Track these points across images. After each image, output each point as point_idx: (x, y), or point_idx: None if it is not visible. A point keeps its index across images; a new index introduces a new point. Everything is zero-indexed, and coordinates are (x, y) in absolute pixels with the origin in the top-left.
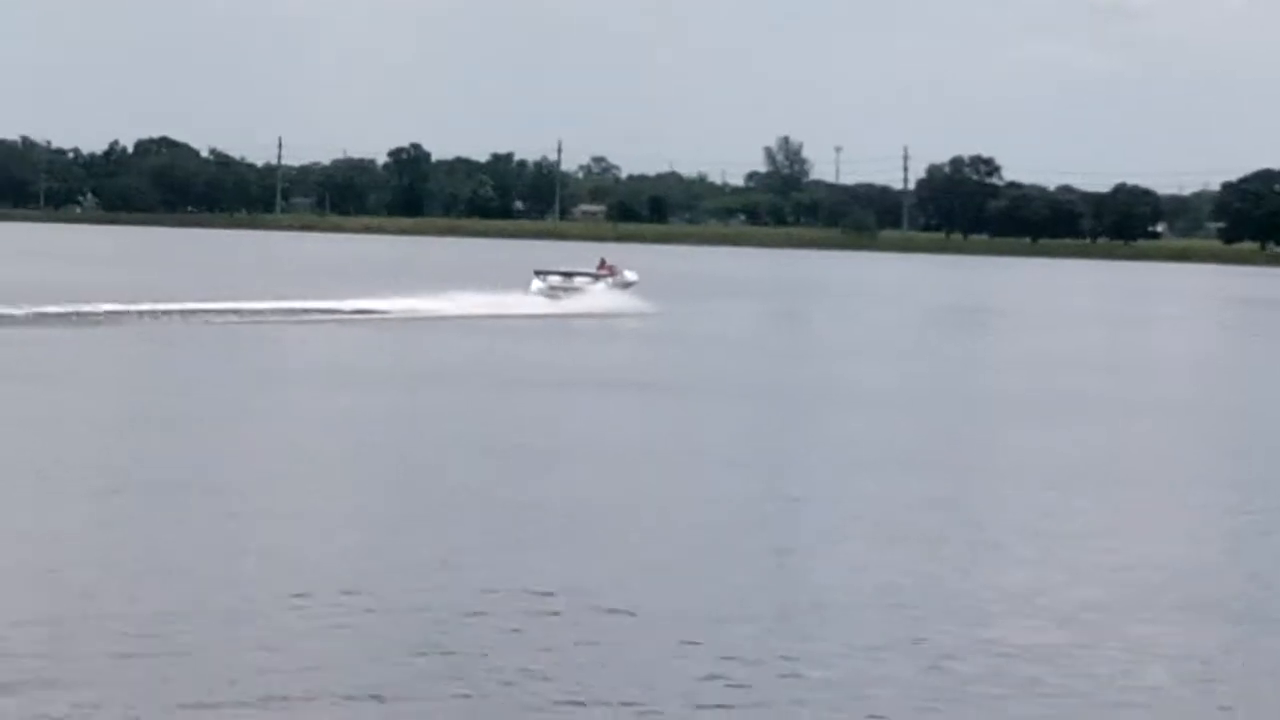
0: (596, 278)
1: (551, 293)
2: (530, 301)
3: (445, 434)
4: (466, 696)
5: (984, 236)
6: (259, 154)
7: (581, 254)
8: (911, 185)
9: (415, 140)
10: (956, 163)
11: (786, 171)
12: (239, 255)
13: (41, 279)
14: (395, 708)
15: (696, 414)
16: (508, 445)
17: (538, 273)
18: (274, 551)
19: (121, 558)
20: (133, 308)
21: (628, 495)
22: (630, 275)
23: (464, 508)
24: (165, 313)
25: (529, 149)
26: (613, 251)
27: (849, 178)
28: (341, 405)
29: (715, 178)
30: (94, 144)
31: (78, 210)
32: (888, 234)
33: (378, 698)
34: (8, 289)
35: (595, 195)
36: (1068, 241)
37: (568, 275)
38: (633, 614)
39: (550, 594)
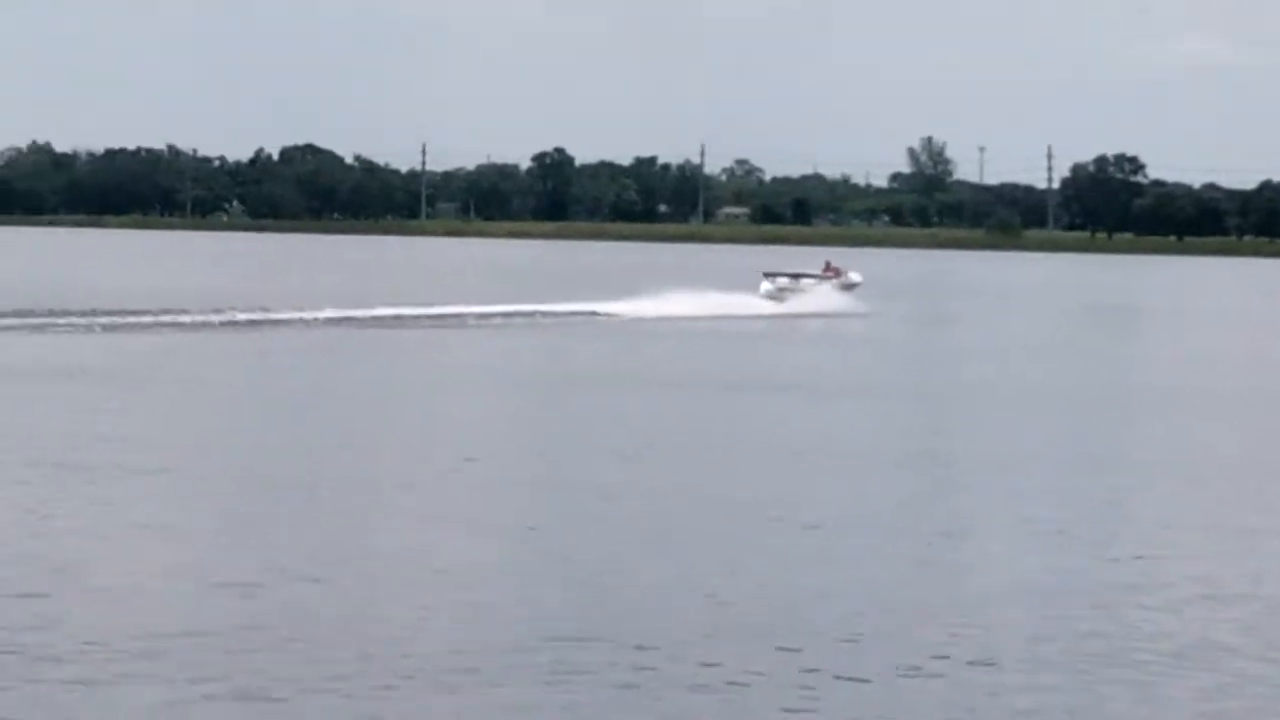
0: (821, 279)
1: (779, 294)
2: (759, 303)
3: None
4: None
5: (1129, 235)
6: (403, 160)
7: (734, 256)
8: (1056, 184)
9: (559, 145)
10: (1101, 161)
11: (930, 172)
12: (396, 260)
13: (234, 287)
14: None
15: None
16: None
17: (766, 274)
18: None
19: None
20: (360, 313)
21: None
22: (855, 277)
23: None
24: (396, 317)
25: (672, 152)
26: (836, 255)
27: (993, 177)
28: (611, 404)
29: (859, 179)
30: (240, 152)
31: (224, 218)
32: (1032, 233)
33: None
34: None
35: (739, 198)
36: (1214, 239)
37: (795, 277)
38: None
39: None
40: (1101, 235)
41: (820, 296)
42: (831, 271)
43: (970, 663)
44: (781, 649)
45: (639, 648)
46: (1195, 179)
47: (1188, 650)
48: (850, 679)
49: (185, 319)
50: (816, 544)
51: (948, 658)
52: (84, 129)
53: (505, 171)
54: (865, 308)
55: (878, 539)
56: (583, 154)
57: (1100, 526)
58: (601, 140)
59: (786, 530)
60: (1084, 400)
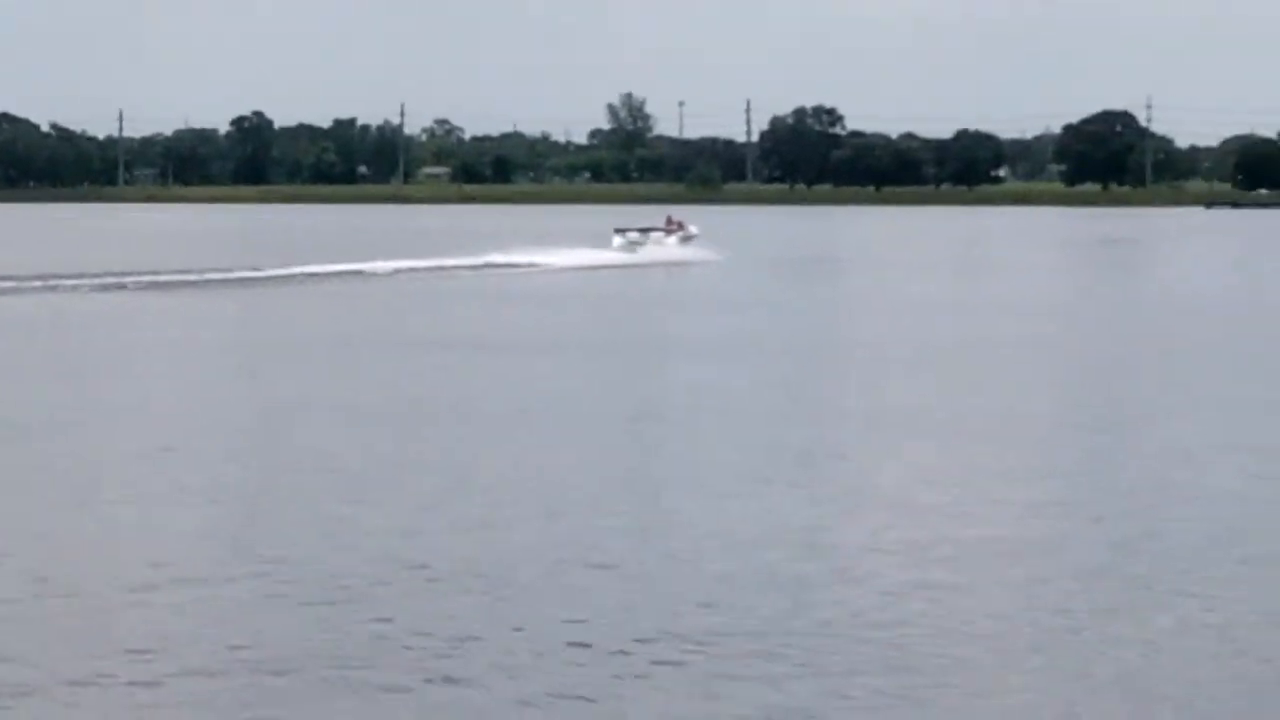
0: (668, 232)
1: (630, 246)
2: (616, 254)
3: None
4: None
5: (828, 187)
6: (101, 127)
7: (438, 217)
8: (755, 137)
9: (257, 108)
10: (799, 113)
11: (630, 128)
12: (92, 227)
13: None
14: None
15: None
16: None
17: (617, 230)
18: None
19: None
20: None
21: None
22: (693, 229)
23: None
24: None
25: (372, 113)
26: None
27: (692, 132)
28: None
29: (559, 136)
30: None
31: None
32: (733, 186)
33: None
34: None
35: (439, 158)
36: (912, 189)
37: (643, 231)
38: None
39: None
40: (801, 187)
41: (669, 248)
42: (676, 225)
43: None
44: (496, 608)
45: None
46: (893, 129)
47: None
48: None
49: None
50: (520, 504)
51: (672, 635)
52: None
53: (204, 136)
54: (717, 256)
55: (568, 498)
56: (282, 117)
57: (800, 474)
58: (300, 103)
59: (493, 491)
60: (780, 351)
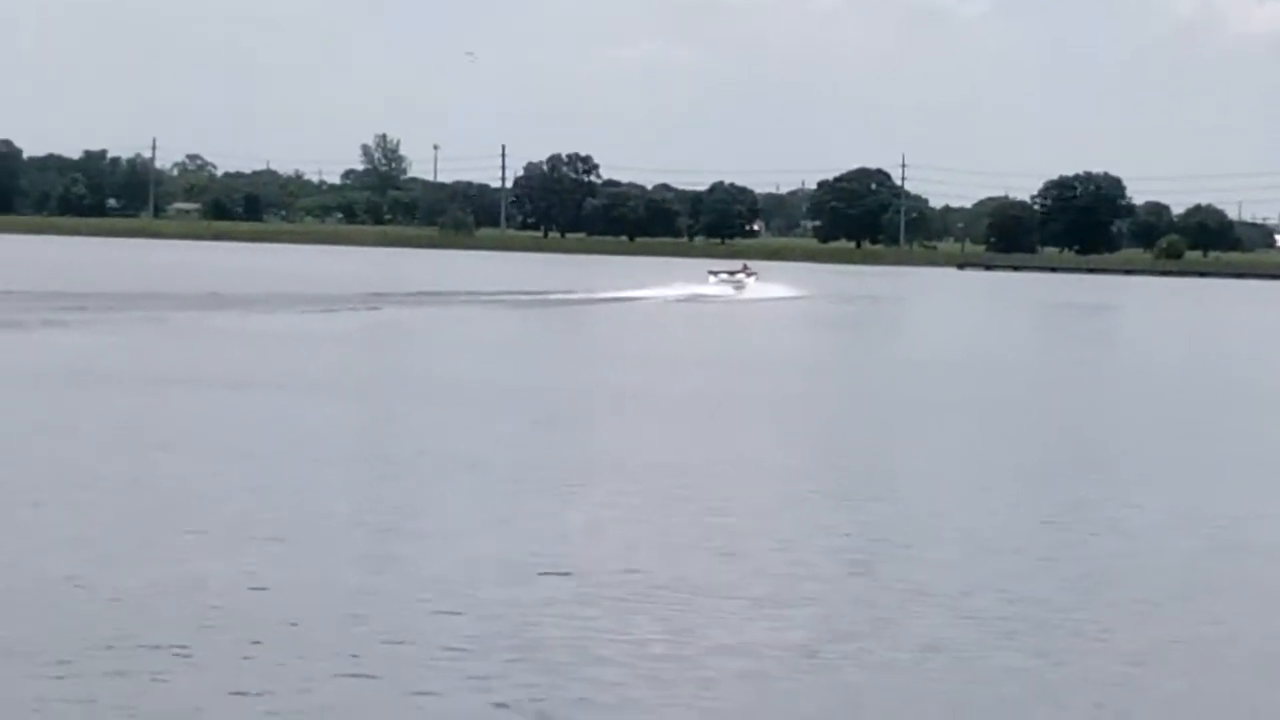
0: (749, 274)
1: (728, 284)
2: (722, 289)
3: None
4: None
5: (581, 235)
6: None
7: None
8: (510, 183)
9: (5, 137)
10: (554, 160)
11: (384, 169)
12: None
13: None
14: None
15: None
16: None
17: (711, 271)
18: None
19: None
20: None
21: None
22: (757, 272)
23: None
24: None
25: (123, 146)
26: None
27: (447, 175)
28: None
29: (312, 175)
30: None
31: None
32: (486, 232)
33: None
34: None
35: (190, 193)
36: (665, 240)
37: (731, 273)
38: None
39: None
40: (555, 234)
41: (757, 286)
42: (750, 270)
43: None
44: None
45: None
46: (649, 179)
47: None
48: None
49: None
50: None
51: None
52: None
53: None
54: (799, 292)
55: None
56: (30, 147)
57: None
58: (50, 133)
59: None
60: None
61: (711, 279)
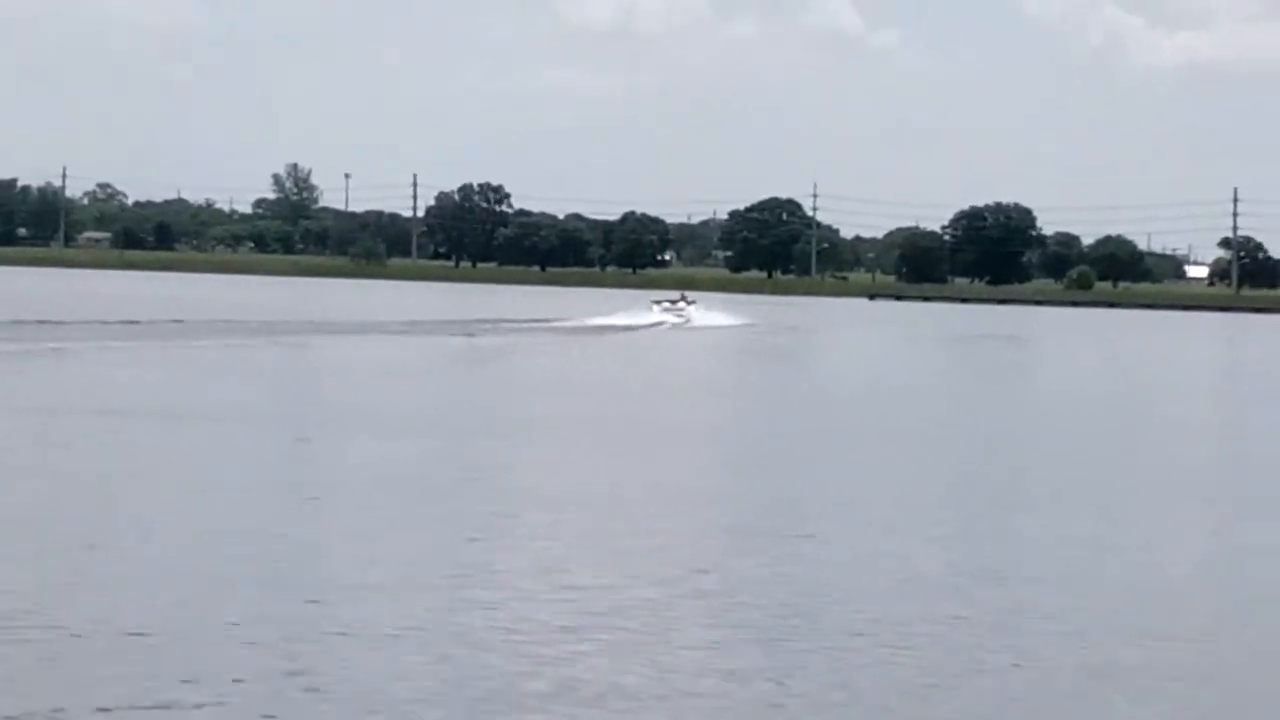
0: (689, 303)
1: (668, 312)
2: (665, 317)
3: None
4: None
5: (493, 265)
6: None
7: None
8: (421, 213)
9: None
10: (466, 190)
11: (295, 198)
12: None
13: None
14: None
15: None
16: None
17: (655, 302)
18: None
19: None
20: None
21: None
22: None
23: None
24: None
25: (33, 174)
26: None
27: (359, 205)
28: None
29: (224, 205)
30: None
31: None
32: (397, 262)
33: None
34: None
35: (101, 222)
36: (576, 270)
37: (674, 302)
38: None
39: None
40: (466, 264)
41: (699, 314)
42: (689, 299)
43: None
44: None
45: None
46: (561, 209)
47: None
48: None
49: None
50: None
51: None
52: None
53: None
54: (742, 320)
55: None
56: None
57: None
58: None
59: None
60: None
61: (655, 309)
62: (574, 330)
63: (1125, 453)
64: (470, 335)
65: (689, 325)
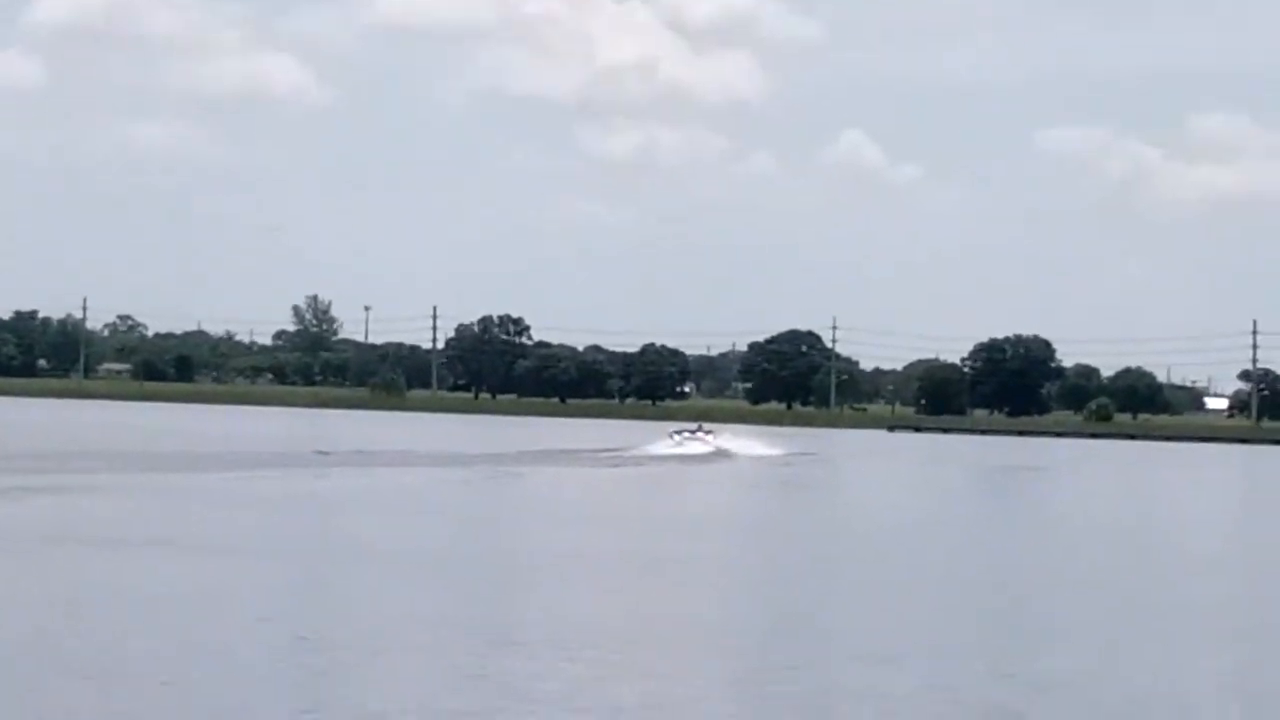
0: (706, 433)
1: (689, 440)
2: (685, 448)
3: None
4: None
5: (512, 396)
6: None
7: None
8: (441, 344)
9: None
10: (485, 322)
11: (315, 330)
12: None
13: None
14: None
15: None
16: None
17: (674, 432)
18: None
19: None
20: None
21: None
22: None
23: None
24: None
25: (53, 306)
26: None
27: (378, 337)
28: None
29: (243, 336)
30: None
31: None
32: (416, 393)
33: None
34: None
35: (121, 354)
36: (596, 402)
37: (693, 432)
38: None
39: None
40: (486, 396)
41: (717, 441)
42: (708, 429)
43: None
44: None
45: None
46: (580, 341)
47: None
48: None
49: None
50: None
51: None
52: None
53: None
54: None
55: None
56: None
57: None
58: None
59: None
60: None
61: (676, 438)
62: (597, 460)
63: (1143, 588)
64: (500, 466)
65: (709, 455)
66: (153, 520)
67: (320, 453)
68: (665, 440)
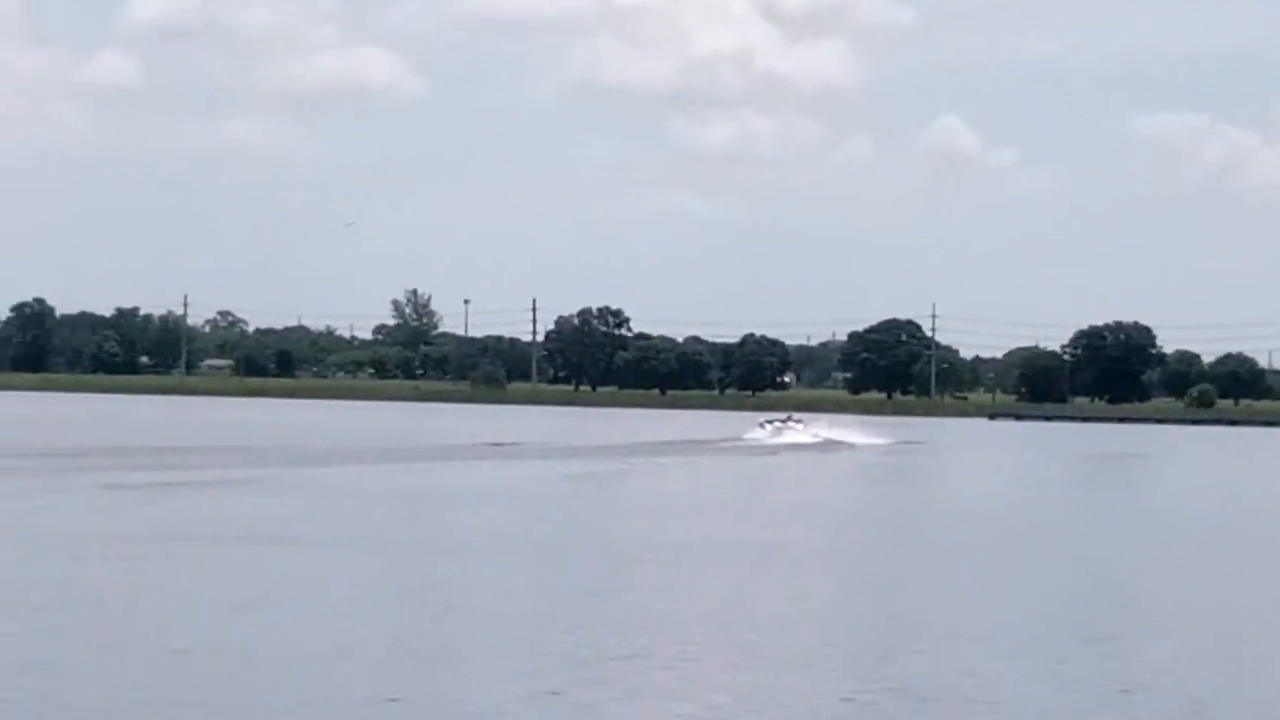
0: (797, 422)
1: (781, 429)
2: (775, 437)
3: None
4: None
5: (612, 388)
6: None
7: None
8: (541, 337)
9: (38, 294)
10: (585, 314)
11: (415, 324)
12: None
13: None
14: None
15: None
16: None
17: (765, 421)
18: None
19: None
20: None
21: None
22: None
23: None
24: None
25: (155, 303)
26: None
27: (478, 330)
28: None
29: (344, 331)
30: None
31: None
32: (516, 386)
33: None
34: None
35: (222, 349)
36: (696, 393)
37: (783, 421)
38: None
39: None
40: (586, 388)
41: (807, 431)
42: (797, 418)
43: None
44: None
45: None
46: (679, 332)
47: None
48: None
49: None
50: None
51: None
52: None
53: None
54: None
55: None
56: (63, 304)
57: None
58: (82, 291)
59: None
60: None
61: (767, 427)
62: (713, 450)
63: (1251, 575)
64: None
65: (819, 445)
66: (399, 518)
67: (494, 444)
68: (757, 430)
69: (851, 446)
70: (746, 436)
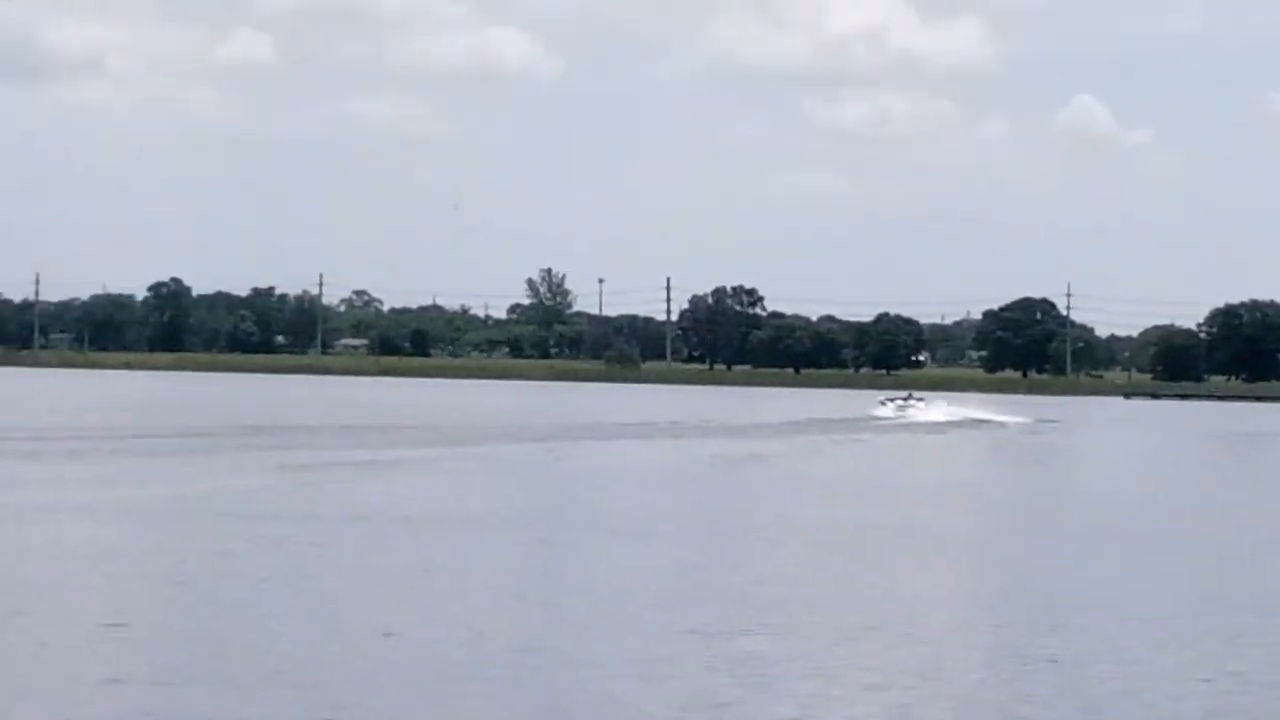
0: (918, 400)
1: (903, 407)
2: (896, 414)
3: None
4: None
5: (747, 368)
6: (17, 290)
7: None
8: (675, 316)
9: (175, 274)
10: (719, 293)
11: (550, 303)
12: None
13: None
14: None
15: None
16: None
17: (886, 399)
18: None
19: None
20: None
21: None
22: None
23: None
24: None
25: (290, 282)
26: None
27: (612, 309)
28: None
29: (478, 310)
30: None
31: None
32: (651, 365)
33: None
34: None
35: (358, 329)
36: (830, 372)
37: (906, 399)
38: None
39: None
40: (720, 367)
41: (929, 410)
42: (918, 396)
43: None
44: None
45: None
46: (813, 311)
47: None
48: None
49: None
50: None
51: None
52: None
53: (120, 302)
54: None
55: None
56: (200, 284)
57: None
58: (219, 271)
59: None
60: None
61: (889, 405)
62: (861, 428)
63: None
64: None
65: (960, 423)
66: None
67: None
68: (879, 409)
69: (988, 424)
70: (872, 414)
